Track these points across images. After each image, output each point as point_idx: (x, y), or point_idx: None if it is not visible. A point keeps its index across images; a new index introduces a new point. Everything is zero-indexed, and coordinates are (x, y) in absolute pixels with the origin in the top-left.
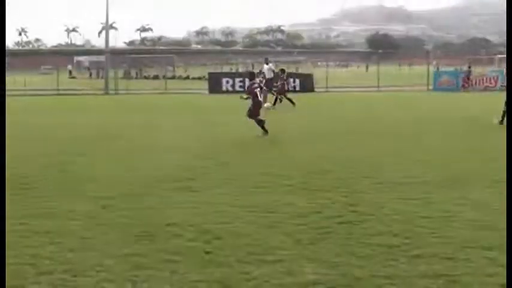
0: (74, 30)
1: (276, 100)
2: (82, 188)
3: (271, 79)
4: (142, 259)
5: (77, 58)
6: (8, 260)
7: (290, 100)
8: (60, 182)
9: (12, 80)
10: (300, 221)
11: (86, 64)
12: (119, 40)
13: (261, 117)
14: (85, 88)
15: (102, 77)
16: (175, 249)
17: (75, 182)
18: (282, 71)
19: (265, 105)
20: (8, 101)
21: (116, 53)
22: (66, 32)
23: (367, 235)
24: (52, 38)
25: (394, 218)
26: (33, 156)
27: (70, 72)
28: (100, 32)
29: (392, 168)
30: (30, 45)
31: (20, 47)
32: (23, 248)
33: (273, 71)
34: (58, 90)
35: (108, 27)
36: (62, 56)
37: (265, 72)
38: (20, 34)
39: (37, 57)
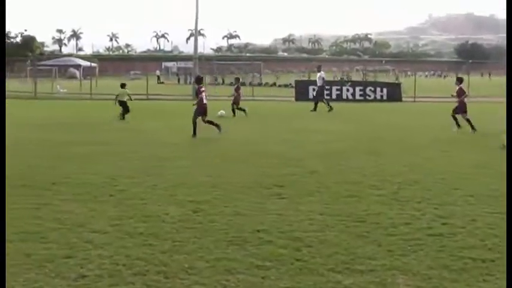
0: (162, 36)
1: (233, 111)
2: (174, 192)
3: (321, 87)
4: (234, 264)
5: (165, 64)
6: (103, 260)
7: (242, 109)
8: (153, 186)
9: (105, 84)
10: (390, 232)
11: (174, 70)
12: (206, 46)
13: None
14: (173, 94)
15: (190, 83)
16: (266, 255)
17: (168, 186)
18: (237, 79)
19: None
20: (102, 104)
21: (203, 59)
22: (155, 38)
23: (459, 248)
24: (141, 43)
25: (488, 232)
26: (129, 159)
27: (158, 77)
28: (188, 38)
29: (482, 180)
30: (120, 51)
31: (111, 52)
32: (117, 248)
33: (323, 79)
34: (147, 95)
35: (197, 33)
36: (151, 62)
37: (316, 80)
38: (111, 40)
39: (127, 62)
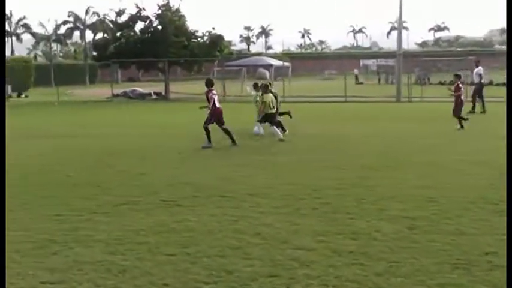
0: (360, 30)
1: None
2: (385, 206)
3: (478, 84)
4: None
5: (363, 61)
6: (311, 280)
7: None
8: (360, 199)
9: (297, 85)
10: None
11: (374, 68)
12: (410, 41)
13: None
14: (373, 95)
15: (392, 82)
16: (497, 282)
17: (377, 199)
18: (457, 76)
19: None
20: (295, 108)
21: (408, 55)
22: (351, 33)
23: None
24: (336, 39)
25: None
26: (331, 169)
27: (356, 77)
28: (389, 33)
29: None
30: (313, 48)
31: (303, 50)
32: (326, 267)
33: (480, 76)
34: (345, 97)
35: (400, 26)
36: (347, 60)
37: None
38: (302, 36)
39: (320, 60)
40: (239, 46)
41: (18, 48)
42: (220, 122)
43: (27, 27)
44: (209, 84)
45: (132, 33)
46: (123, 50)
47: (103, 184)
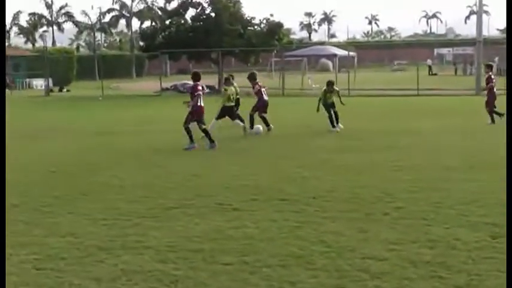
0: (434, 16)
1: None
2: (465, 212)
3: None
4: None
5: (437, 50)
6: None
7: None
8: (437, 203)
9: (364, 77)
10: None
11: (449, 58)
12: (491, 27)
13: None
14: (449, 87)
15: (470, 73)
16: None
17: (456, 203)
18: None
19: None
20: (361, 102)
21: (488, 43)
22: (424, 19)
23: None
24: (407, 26)
25: None
26: (403, 170)
27: (430, 68)
28: (467, 18)
29: None
30: (382, 36)
31: (370, 38)
32: (399, 280)
33: None
34: (418, 90)
35: (481, 10)
36: (419, 48)
37: None
38: (369, 23)
39: (389, 50)
40: (299, 34)
41: (60, 38)
42: (200, 122)
43: (69, 16)
44: (195, 78)
45: (182, 21)
46: (172, 39)
47: (153, 186)
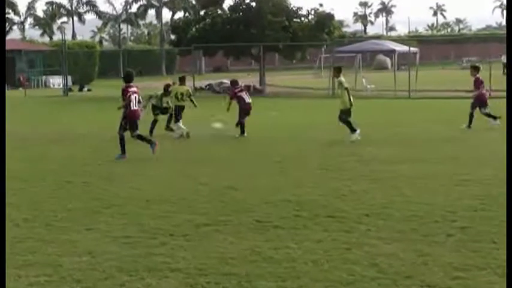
0: None
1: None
2: None
3: None
4: None
5: None
6: None
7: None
8: None
9: (427, 76)
10: None
11: None
12: None
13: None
14: None
15: None
16: None
17: None
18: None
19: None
20: (424, 105)
21: None
22: (498, 9)
23: None
24: (479, 17)
25: None
26: (469, 184)
27: (505, 66)
28: None
29: None
30: (449, 29)
31: (435, 32)
32: None
33: None
34: (490, 91)
35: None
36: (493, 43)
37: None
38: (434, 14)
39: (457, 45)
40: (353, 27)
41: (81, 30)
42: (132, 128)
43: (91, 6)
44: (127, 79)
45: (219, 12)
46: (208, 32)
47: (181, 199)
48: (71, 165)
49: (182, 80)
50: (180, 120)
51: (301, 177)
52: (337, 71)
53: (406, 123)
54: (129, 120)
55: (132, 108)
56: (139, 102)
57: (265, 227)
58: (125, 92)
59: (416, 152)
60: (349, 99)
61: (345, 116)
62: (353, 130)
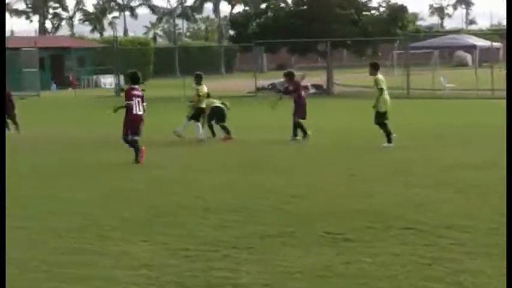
0: None
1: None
2: None
3: None
4: None
5: None
6: None
7: None
8: None
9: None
10: None
11: None
12: None
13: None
14: None
15: None
16: None
17: None
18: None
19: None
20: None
21: None
22: None
23: None
24: None
25: None
26: None
27: None
28: None
29: None
30: None
31: None
32: None
33: None
34: None
35: None
36: None
37: None
38: None
39: None
40: (429, 21)
41: (133, 26)
42: (133, 132)
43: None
44: (133, 79)
45: (282, 5)
46: (270, 27)
47: (244, 209)
48: (123, 171)
49: (199, 78)
50: (199, 122)
51: (372, 186)
52: (374, 68)
53: (491, 125)
54: (131, 125)
55: (134, 112)
56: (143, 107)
57: (335, 239)
58: (127, 94)
59: (500, 155)
60: (385, 102)
61: (380, 119)
62: (389, 136)
